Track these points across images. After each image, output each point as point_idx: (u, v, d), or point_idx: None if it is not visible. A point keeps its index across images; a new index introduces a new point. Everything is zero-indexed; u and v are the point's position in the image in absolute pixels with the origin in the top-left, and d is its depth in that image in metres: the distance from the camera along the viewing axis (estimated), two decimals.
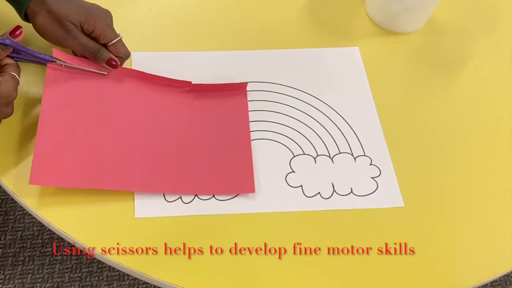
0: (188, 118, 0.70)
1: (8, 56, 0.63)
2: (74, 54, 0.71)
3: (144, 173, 0.64)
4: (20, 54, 0.65)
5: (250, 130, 0.70)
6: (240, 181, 0.66)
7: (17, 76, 0.63)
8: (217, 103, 0.72)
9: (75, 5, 0.68)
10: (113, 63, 0.69)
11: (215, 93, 0.72)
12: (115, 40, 0.69)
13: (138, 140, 0.67)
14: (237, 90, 0.73)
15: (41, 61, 0.67)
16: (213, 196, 0.64)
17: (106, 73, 0.70)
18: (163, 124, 0.69)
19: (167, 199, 0.63)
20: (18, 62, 0.64)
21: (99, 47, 0.68)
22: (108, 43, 0.69)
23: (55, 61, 0.67)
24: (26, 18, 0.69)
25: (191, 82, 0.72)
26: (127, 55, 0.71)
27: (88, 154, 0.63)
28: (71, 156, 0.63)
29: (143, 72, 0.72)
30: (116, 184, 0.63)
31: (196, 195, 0.64)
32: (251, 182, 0.65)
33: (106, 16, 0.69)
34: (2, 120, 0.63)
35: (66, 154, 0.63)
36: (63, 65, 0.68)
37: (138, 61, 0.75)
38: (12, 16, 0.69)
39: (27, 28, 0.66)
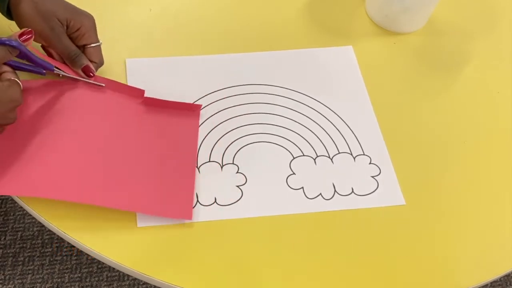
0: (138, 131, 0.68)
1: (5, 64, 0.61)
2: (47, 52, 0.69)
3: (89, 183, 0.62)
4: (16, 61, 0.62)
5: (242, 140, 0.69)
6: (178, 204, 0.62)
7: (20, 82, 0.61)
8: (168, 121, 0.69)
9: (61, 3, 0.67)
10: (90, 73, 0.68)
11: (168, 110, 0.69)
12: (95, 44, 0.69)
13: (88, 150, 0.64)
14: (191, 110, 0.70)
15: (40, 70, 0.65)
16: (215, 201, 0.64)
17: (103, 84, 0.69)
18: (113, 134, 0.67)
19: None
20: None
21: (79, 52, 0.67)
22: (88, 44, 0.68)
23: (55, 70, 0.66)
24: (7, 12, 0.66)
25: (144, 90, 0.69)
26: (102, 63, 0.70)
27: (45, 163, 0.62)
28: (31, 166, 0.61)
29: (99, 77, 0.70)
30: (60, 194, 0.61)
31: (195, 202, 0.63)
32: (189, 208, 0.62)
33: (92, 18, 0.69)
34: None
35: (28, 163, 0.61)
36: (60, 75, 0.67)
37: (133, 65, 0.74)
38: None
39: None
